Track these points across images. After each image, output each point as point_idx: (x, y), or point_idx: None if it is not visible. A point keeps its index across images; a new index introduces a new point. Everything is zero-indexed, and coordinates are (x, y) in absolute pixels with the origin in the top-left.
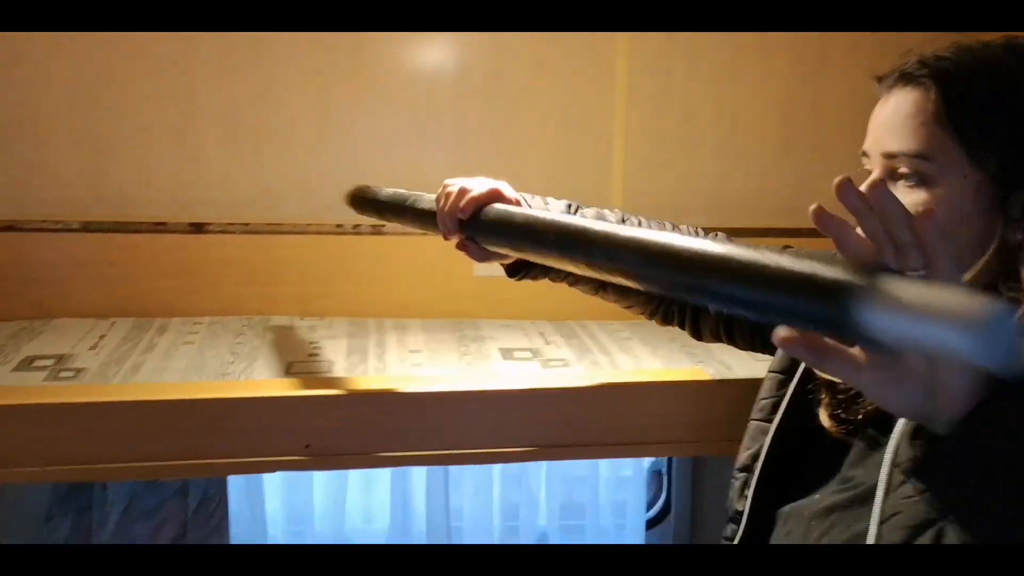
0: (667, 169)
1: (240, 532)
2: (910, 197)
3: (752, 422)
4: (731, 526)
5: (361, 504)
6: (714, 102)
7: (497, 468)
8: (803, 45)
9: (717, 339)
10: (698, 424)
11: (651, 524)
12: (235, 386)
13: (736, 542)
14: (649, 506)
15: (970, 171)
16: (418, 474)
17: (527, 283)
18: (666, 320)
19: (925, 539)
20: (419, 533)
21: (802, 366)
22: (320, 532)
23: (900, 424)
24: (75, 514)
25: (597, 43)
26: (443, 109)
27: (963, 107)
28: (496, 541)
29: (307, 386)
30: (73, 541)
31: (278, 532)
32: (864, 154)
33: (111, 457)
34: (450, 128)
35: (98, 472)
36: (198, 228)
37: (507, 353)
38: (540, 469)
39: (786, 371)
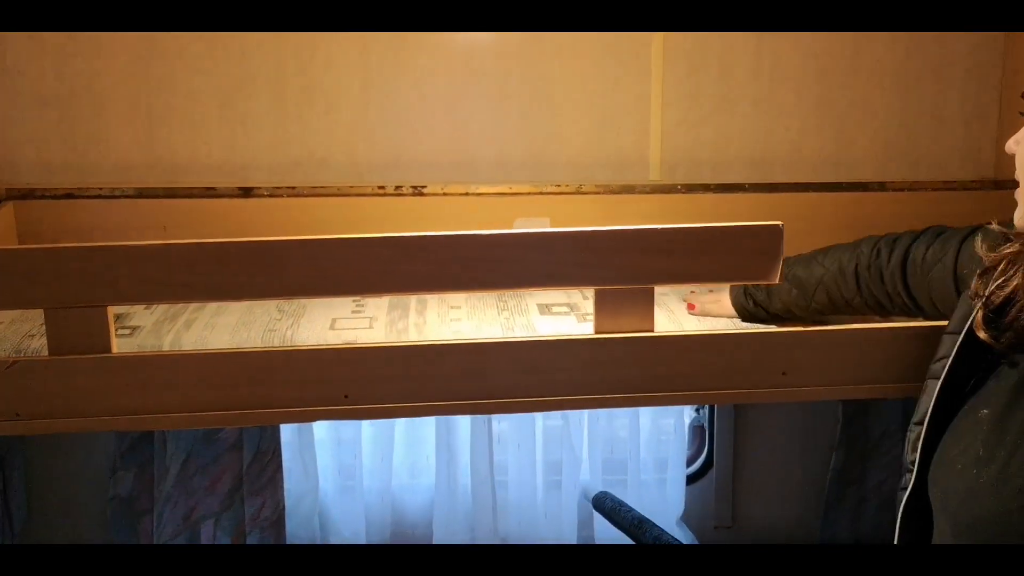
0: (704, 126)
1: (293, 486)
2: None
3: (928, 380)
4: (906, 475)
5: (408, 461)
6: (752, 57)
7: (539, 427)
8: None
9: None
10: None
11: (692, 479)
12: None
13: (908, 490)
14: (690, 462)
15: None
16: (463, 432)
17: None
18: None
19: None
20: (464, 488)
21: (968, 324)
22: (369, 486)
23: None
24: (137, 468)
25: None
26: (483, 70)
27: None
28: (540, 496)
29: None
30: (136, 494)
31: (329, 486)
32: None
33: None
34: (490, 89)
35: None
36: (246, 192)
37: (545, 308)
38: (582, 428)
39: (959, 331)
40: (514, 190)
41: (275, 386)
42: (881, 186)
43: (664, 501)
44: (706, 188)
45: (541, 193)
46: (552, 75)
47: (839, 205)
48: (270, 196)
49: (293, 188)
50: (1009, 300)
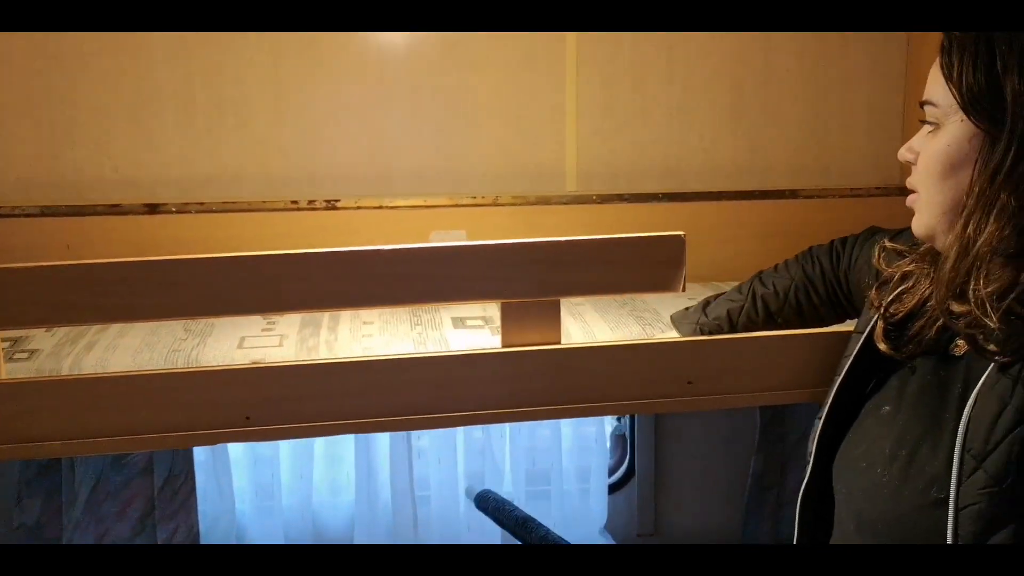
0: (619, 136)
1: (208, 508)
2: (927, 142)
3: (835, 376)
4: (807, 468)
5: (328, 478)
6: (664, 68)
7: (460, 440)
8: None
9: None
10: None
11: (615, 488)
12: None
13: (805, 481)
14: (613, 471)
15: (965, 118)
16: (382, 448)
17: None
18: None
19: (1000, 537)
20: (385, 504)
21: (870, 325)
22: (288, 505)
23: (968, 406)
24: (44, 495)
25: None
26: (396, 81)
27: (959, 62)
28: (462, 509)
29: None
30: (44, 521)
31: (246, 506)
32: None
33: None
34: (404, 101)
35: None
36: (153, 209)
37: (459, 322)
38: (504, 439)
39: (863, 331)
40: (430, 203)
41: (174, 409)
42: (793, 194)
43: (587, 510)
44: (620, 198)
45: (457, 205)
46: (467, 86)
47: (753, 213)
48: (178, 212)
49: (202, 204)
50: (911, 315)
